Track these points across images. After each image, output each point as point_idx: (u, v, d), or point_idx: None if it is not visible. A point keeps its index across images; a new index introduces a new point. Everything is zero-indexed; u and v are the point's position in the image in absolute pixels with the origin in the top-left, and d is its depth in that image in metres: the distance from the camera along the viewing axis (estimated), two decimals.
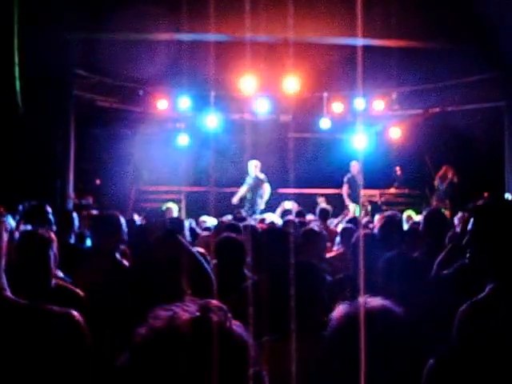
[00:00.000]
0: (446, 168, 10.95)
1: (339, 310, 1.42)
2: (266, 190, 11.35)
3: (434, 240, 3.75)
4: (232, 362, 0.98)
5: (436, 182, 11.07)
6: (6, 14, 8.17)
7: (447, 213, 10.16)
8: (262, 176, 11.33)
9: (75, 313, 1.57)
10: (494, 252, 1.84)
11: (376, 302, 1.43)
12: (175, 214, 7.88)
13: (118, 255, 3.75)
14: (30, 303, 1.54)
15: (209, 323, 0.98)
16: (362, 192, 11.64)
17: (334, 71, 10.71)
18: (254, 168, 11.30)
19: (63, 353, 1.48)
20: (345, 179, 11.43)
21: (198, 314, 1.00)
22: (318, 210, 8.57)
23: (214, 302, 1.04)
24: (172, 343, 0.96)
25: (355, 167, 11.40)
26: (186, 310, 1.01)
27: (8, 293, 1.54)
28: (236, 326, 1.02)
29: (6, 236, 1.57)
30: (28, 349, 1.45)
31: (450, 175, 10.90)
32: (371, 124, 12.48)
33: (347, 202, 11.22)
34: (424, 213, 4.12)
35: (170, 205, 8.33)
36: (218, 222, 6.65)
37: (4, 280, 1.55)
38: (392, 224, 3.95)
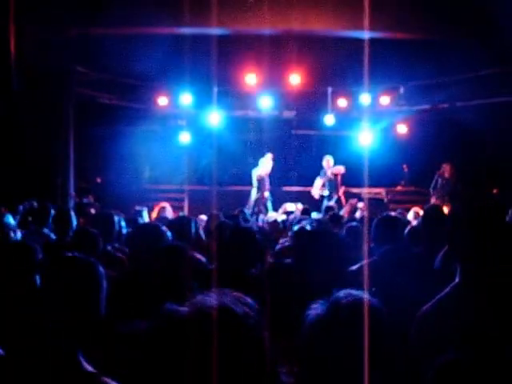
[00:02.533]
0: (444, 166, 10.85)
1: (311, 310, 1.30)
2: None
3: (432, 237, 3.77)
4: (249, 354, 1.00)
5: (435, 180, 10.97)
6: (3, 11, 8.05)
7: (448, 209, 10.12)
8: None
9: None
10: (460, 250, 1.95)
11: (351, 297, 1.28)
12: (169, 213, 7.68)
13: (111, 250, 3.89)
14: (96, 374, 1.54)
15: (235, 314, 1.01)
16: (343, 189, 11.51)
17: (339, 66, 10.52)
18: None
19: None
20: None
21: (225, 304, 1.02)
22: (323, 209, 8.43)
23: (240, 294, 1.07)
24: (199, 329, 0.98)
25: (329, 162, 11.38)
26: (215, 299, 1.03)
27: (86, 365, 1.56)
28: (253, 316, 1.04)
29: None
30: None
31: (446, 174, 10.80)
32: (377, 120, 12.27)
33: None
34: (423, 210, 4.18)
35: (164, 204, 8.12)
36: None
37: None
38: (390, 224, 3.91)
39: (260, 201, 10.99)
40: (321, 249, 2.76)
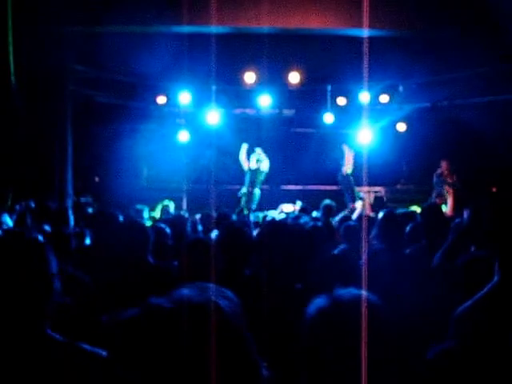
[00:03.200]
0: (442, 162, 10.87)
1: (312, 305, 1.33)
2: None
3: (431, 235, 3.82)
4: (232, 347, 1.00)
5: (434, 179, 10.97)
6: (1, 9, 8.01)
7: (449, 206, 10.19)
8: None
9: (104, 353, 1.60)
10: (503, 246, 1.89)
11: (350, 293, 1.32)
12: (172, 211, 7.68)
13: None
14: (67, 341, 1.59)
15: (217, 307, 1.00)
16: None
17: (339, 64, 10.49)
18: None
19: None
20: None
21: (206, 298, 1.01)
22: (321, 207, 8.39)
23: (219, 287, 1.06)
24: (178, 324, 0.97)
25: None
26: (195, 293, 1.02)
27: (49, 330, 1.59)
28: (233, 309, 1.03)
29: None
30: None
31: (443, 171, 10.83)
32: (377, 118, 12.25)
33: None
34: (422, 208, 4.13)
35: (167, 202, 8.12)
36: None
37: (48, 315, 1.59)
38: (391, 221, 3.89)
39: (248, 196, 10.92)
40: (280, 241, 2.72)
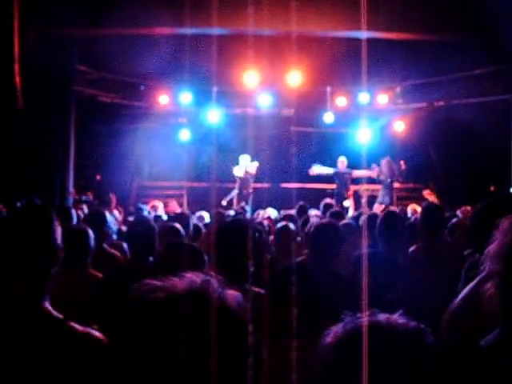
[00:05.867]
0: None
1: (333, 333, 1.08)
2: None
3: (430, 234, 3.81)
4: (231, 335, 0.93)
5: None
6: (6, 9, 8.08)
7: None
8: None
9: (97, 333, 1.56)
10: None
11: (387, 319, 1.07)
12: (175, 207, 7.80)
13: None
14: (62, 318, 1.56)
15: (208, 293, 0.93)
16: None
17: (338, 65, 10.58)
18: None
19: (75, 372, 1.49)
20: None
21: (196, 284, 0.95)
22: (321, 205, 8.48)
23: (210, 273, 1.00)
24: (169, 314, 0.90)
25: (343, 163, 11.42)
26: (183, 280, 0.96)
27: (47, 304, 1.56)
28: (234, 297, 0.97)
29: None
30: (46, 362, 1.48)
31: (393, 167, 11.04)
32: (375, 118, 12.36)
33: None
34: (421, 207, 4.23)
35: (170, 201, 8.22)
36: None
37: (47, 289, 1.57)
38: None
39: (242, 197, 11.03)
40: (231, 241, 2.64)
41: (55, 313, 1.57)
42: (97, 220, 4.34)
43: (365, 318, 1.06)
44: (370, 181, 11.52)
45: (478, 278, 1.83)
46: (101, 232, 4.10)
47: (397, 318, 1.06)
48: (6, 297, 1.55)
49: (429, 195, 9.62)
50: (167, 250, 2.91)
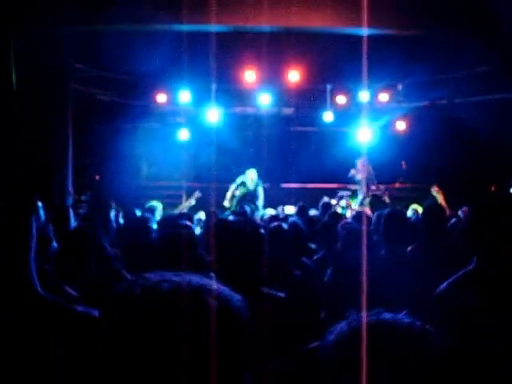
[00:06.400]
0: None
1: (337, 330, 1.06)
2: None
3: (431, 233, 3.86)
4: (227, 334, 0.92)
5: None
6: (3, 6, 8.02)
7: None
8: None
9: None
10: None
11: (391, 318, 1.05)
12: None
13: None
14: (57, 300, 1.65)
15: (206, 292, 0.92)
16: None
17: (338, 63, 10.51)
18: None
19: (77, 353, 1.51)
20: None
21: (194, 283, 0.94)
22: (320, 205, 8.44)
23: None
24: (165, 312, 0.88)
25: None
26: (181, 279, 0.94)
27: (38, 288, 1.64)
28: (232, 297, 0.96)
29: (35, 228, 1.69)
30: (46, 345, 1.54)
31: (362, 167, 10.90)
32: (376, 117, 12.28)
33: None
34: (424, 207, 4.25)
35: (155, 203, 8.02)
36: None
37: (34, 275, 1.64)
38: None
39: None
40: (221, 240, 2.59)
41: (51, 296, 1.66)
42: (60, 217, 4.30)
43: (370, 317, 1.06)
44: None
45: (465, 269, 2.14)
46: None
47: (402, 317, 1.06)
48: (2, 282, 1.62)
49: (437, 192, 9.55)
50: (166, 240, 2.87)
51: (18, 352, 1.53)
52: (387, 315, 1.06)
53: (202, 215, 7.73)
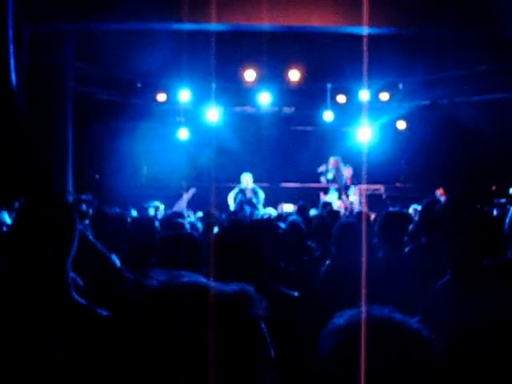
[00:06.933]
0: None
1: (335, 322, 1.08)
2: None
3: (431, 232, 3.72)
4: (229, 333, 0.92)
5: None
6: (2, 5, 8.01)
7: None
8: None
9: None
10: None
11: (383, 312, 1.06)
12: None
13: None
14: (87, 305, 1.65)
15: (206, 291, 0.93)
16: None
17: (338, 62, 10.49)
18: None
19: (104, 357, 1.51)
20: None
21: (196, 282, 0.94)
22: (320, 205, 8.44)
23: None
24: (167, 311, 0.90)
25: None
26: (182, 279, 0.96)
27: (73, 292, 1.65)
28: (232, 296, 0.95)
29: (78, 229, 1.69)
30: (75, 348, 1.55)
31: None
32: (376, 116, 12.25)
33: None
34: (422, 206, 4.18)
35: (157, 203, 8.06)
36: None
37: (69, 279, 1.65)
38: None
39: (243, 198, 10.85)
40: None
41: (82, 300, 1.67)
42: None
43: (367, 313, 1.06)
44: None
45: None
46: None
47: (398, 314, 1.06)
48: (37, 286, 1.61)
49: (441, 195, 9.52)
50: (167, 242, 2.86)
51: (49, 353, 1.54)
52: (384, 311, 1.06)
53: (201, 215, 7.72)
